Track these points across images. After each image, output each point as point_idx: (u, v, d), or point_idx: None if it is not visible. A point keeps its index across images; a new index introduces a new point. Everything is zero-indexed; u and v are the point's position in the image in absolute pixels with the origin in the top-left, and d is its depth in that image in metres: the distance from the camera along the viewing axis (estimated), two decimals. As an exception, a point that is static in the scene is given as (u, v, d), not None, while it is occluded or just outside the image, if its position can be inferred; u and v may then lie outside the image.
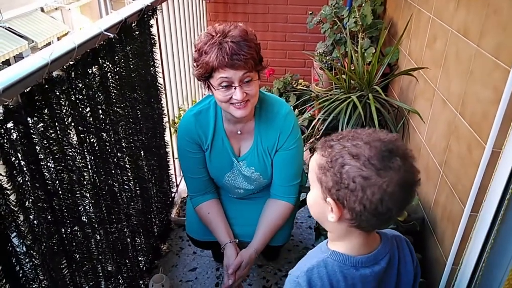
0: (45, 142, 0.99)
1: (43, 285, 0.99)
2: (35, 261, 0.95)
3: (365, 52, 2.24)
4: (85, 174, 1.18)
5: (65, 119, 1.07)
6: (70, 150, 1.08)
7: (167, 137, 1.98)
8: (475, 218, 1.22)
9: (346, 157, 0.77)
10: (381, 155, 0.75)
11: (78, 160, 1.13)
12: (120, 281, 1.47)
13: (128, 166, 1.50)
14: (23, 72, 0.89)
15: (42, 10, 11.29)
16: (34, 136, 0.95)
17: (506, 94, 1.06)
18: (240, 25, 1.31)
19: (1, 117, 0.84)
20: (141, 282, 1.68)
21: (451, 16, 1.50)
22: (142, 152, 1.64)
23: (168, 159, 1.99)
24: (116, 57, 1.37)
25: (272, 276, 1.88)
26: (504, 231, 1.12)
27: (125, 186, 1.48)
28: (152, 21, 1.69)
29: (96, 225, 1.26)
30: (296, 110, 2.74)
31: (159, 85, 1.80)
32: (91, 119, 1.21)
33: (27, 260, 0.93)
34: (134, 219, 1.58)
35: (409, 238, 1.05)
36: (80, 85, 1.14)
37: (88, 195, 1.20)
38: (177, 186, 2.31)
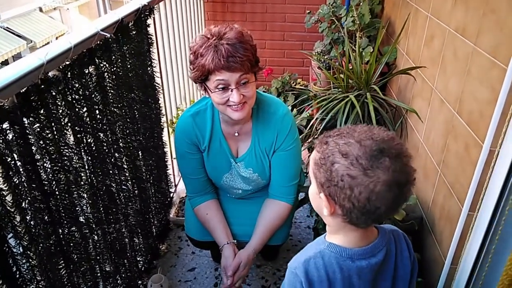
0: (41, 142, 0.98)
1: (40, 286, 0.99)
2: (32, 262, 0.95)
3: (363, 51, 2.24)
4: (82, 174, 1.18)
5: (62, 119, 1.07)
6: (66, 150, 1.08)
7: (165, 137, 1.98)
8: (473, 217, 1.21)
9: (337, 155, 0.79)
10: (370, 154, 0.76)
11: (75, 161, 1.13)
12: (118, 281, 1.47)
13: (125, 166, 1.50)
14: (18, 72, 0.89)
15: (41, 10, 11.27)
16: (30, 137, 0.94)
17: (503, 93, 1.05)
18: (235, 26, 1.30)
19: (-3, 118, 0.84)
20: (139, 282, 1.68)
21: (449, 14, 1.50)
22: (139, 152, 1.64)
23: (166, 159, 1.99)
24: (113, 57, 1.36)
25: (271, 276, 1.88)
26: (502, 230, 1.12)
27: (123, 186, 1.47)
28: (149, 21, 1.68)
29: (93, 226, 1.26)
30: (295, 109, 2.74)
31: (157, 85, 1.80)
32: (88, 119, 1.21)
33: (24, 260, 0.92)
34: (132, 219, 1.58)
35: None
36: (77, 85, 1.14)
37: (85, 195, 1.20)
38: (176, 186, 2.31)
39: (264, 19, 3.21)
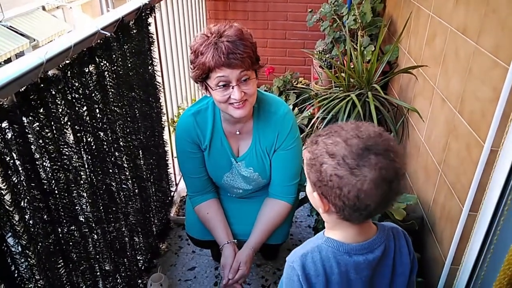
0: (40, 141, 0.98)
1: (39, 285, 0.99)
2: (31, 261, 0.94)
3: (365, 50, 2.23)
4: (82, 173, 1.18)
5: (61, 118, 1.07)
6: (66, 149, 1.08)
7: (166, 136, 1.98)
8: (473, 217, 1.21)
9: (325, 155, 0.80)
10: (355, 153, 0.77)
11: (74, 160, 1.13)
12: (118, 280, 1.47)
13: (126, 165, 1.49)
14: (18, 71, 0.89)
15: (44, 8, 11.28)
16: (29, 136, 0.94)
17: (504, 92, 1.05)
18: (235, 25, 1.30)
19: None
20: (139, 281, 1.68)
21: (450, 13, 1.49)
22: (140, 151, 1.64)
23: (167, 158, 1.99)
24: (114, 56, 1.36)
25: (271, 275, 1.88)
26: (504, 230, 1.11)
27: (123, 185, 1.47)
28: (150, 20, 1.68)
29: (93, 225, 1.26)
30: (296, 108, 2.74)
31: (158, 83, 1.80)
32: (88, 118, 1.21)
33: (22, 260, 0.92)
34: (132, 218, 1.58)
35: (407, 237, 1.05)
36: (77, 84, 1.14)
37: (85, 194, 1.20)
38: (177, 185, 2.31)
39: (265, 17, 3.20)
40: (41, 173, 0.99)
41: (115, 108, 1.39)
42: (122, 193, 1.47)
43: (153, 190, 1.84)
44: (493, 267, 1.14)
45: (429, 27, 1.74)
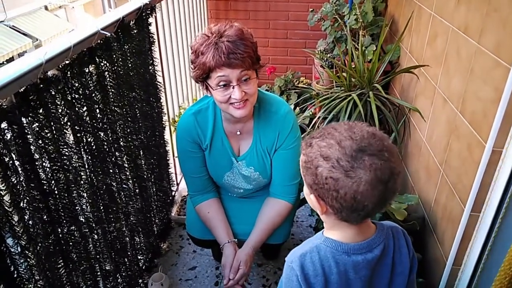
0: (40, 142, 0.98)
1: (39, 285, 0.98)
2: (31, 261, 0.94)
3: (366, 49, 2.23)
4: (82, 173, 1.18)
5: (61, 119, 1.06)
6: (66, 149, 1.08)
7: (167, 136, 1.98)
8: (475, 217, 1.20)
9: (319, 158, 0.80)
10: (349, 155, 0.77)
11: (74, 160, 1.13)
12: (118, 280, 1.47)
13: (126, 165, 1.49)
14: (17, 72, 0.89)
15: (46, 8, 11.30)
16: (29, 136, 0.94)
17: (506, 93, 1.04)
18: (236, 24, 1.31)
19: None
20: (140, 281, 1.68)
21: (452, 13, 1.48)
22: (141, 151, 1.64)
23: (168, 158, 1.99)
24: (114, 56, 1.36)
25: (272, 275, 1.88)
26: (505, 231, 1.11)
27: (124, 185, 1.47)
28: (151, 19, 1.68)
29: (93, 225, 1.26)
30: (297, 108, 2.73)
31: (158, 83, 1.80)
32: (88, 118, 1.21)
33: (22, 260, 0.92)
34: (133, 218, 1.58)
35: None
36: (77, 85, 1.14)
37: (85, 194, 1.20)
38: (178, 184, 2.31)
39: (267, 17, 3.20)
40: (40, 173, 0.99)
41: (116, 108, 1.39)
42: (122, 193, 1.47)
43: (154, 189, 1.84)
44: (495, 268, 1.13)
45: (430, 26, 1.73)
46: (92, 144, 1.23)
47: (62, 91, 1.06)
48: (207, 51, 1.26)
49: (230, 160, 1.55)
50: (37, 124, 0.97)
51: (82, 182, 1.18)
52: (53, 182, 1.03)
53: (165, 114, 1.93)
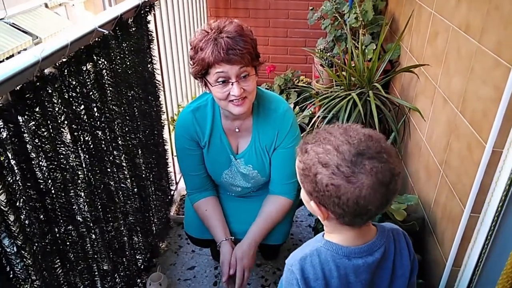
0: (36, 140, 0.97)
1: (36, 286, 0.98)
2: (27, 261, 0.94)
3: (366, 48, 2.22)
4: (79, 172, 1.17)
5: (58, 117, 1.06)
6: (63, 148, 1.07)
7: (165, 135, 1.97)
8: (474, 218, 1.20)
9: (318, 165, 0.78)
10: (349, 160, 0.76)
11: (71, 159, 1.12)
12: (117, 280, 1.46)
13: (124, 164, 1.49)
14: (12, 69, 0.88)
15: (46, 6, 11.27)
16: (25, 135, 0.93)
17: (507, 92, 1.03)
18: (235, 21, 1.30)
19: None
20: (138, 280, 1.68)
21: (452, 11, 1.47)
22: (139, 150, 1.63)
23: (167, 157, 1.98)
24: (112, 54, 1.35)
25: (271, 275, 1.87)
26: (506, 232, 1.10)
27: (122, 185, 1.46)
28: (150, 17, 1.67)
29: (91, 224, 1.25)
30: (297, 107, 2.72)
31: (157, 81, 1.79)
32: (85, 117, 1.20)
33: (18, 260, 0.92)
34: (131, 217, 1.57)
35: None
36: (74, 83, 1.13)
37: (82, 193, 1.19)
38: (177, 184, 2.30)
39: (267, 15, 3.19)
40: (37, 172, 0.98)
41: (114, 107, 1.38)
42: (121, 192, 1.46)
43: (153, 189, 1.83)
44: (495, 269, 1.13)
45: (431, 25, 1.72)
46: (90, 143, 1.22)
47: (59, 89, 1.05)
48: (206, 46, 1.25)
49: (228, 158, 1.54)
50: (33, 122, 0.96)
51: (79, 181, 1.17)
52: (49, 181, 1.03)
53: (164, 112, 1.92)
